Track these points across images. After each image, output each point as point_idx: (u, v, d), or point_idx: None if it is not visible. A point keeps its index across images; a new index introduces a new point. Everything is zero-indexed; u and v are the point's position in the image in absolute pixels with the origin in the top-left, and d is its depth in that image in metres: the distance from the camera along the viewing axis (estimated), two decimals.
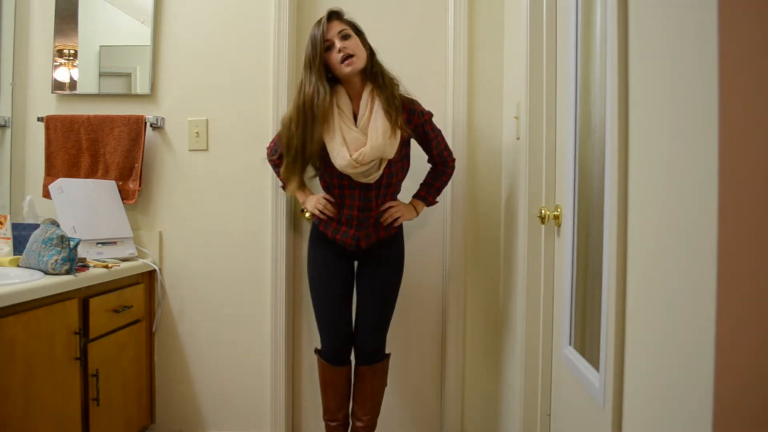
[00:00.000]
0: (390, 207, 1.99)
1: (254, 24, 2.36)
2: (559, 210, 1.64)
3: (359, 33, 1.93)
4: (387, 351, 2.12)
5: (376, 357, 2.07)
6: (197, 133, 2.38)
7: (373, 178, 1.90)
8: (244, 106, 2.37)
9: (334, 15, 1.88)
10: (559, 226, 1.66)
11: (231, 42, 2.38)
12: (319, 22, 1.87)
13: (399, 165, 1.99)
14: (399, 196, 2.08)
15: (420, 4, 2.40)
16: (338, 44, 1.84)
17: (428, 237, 2.40)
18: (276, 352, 2.35)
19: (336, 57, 1.85)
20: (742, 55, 0.68)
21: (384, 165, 1.90)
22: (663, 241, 0.87)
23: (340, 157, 1.85)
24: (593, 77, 1.43)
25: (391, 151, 1.88)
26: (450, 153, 2.08)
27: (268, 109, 2.35)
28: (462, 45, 2.32)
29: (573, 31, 1.49)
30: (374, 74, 1.93)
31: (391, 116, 1.88)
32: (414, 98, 2.00)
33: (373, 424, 2.10)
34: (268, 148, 2.16)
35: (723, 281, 0.68)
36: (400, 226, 2.10)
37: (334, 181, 1.94)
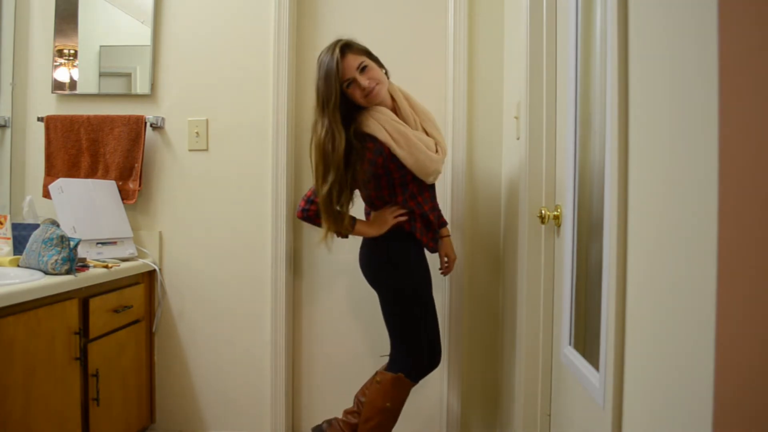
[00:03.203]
0: (449, 260, 2.13)
1: (254, 24, 2.36)
2: (559, 210, 1.64)
3: (371, 56, 1.85)
4: None
5: None
6: (197, 133, 2.38)
7: (437, 179, 1.95)
8: (244, 106, 2.37)
9: (347, 48, 1.78)
10: (559, 226, 1.66)
11: (231, 42, 2.38)
12: (332, 54, 1.75)
13: None
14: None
15: (420, 5, 2.40)
16: (362, 82, 1.77)
17: None
18: (276, 351, 2.35)
19: (360, 93, 1.80)
20: (742, 55, 0.68)
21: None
22: (663, 241, 0.87)
23: (432, 161, 1.84)
24: (593, 77, 1.43)
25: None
26: None
27: (268, 109, 2.35)
28: (462, 45, 2.31)
29: (573, 31, 1.49)
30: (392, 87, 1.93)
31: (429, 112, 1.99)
32: None
33: None
34: (303, 200, 1.88)
35: (723, 281, 0.68)
36: None
37: (408, 195, 1.88)
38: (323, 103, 1.77)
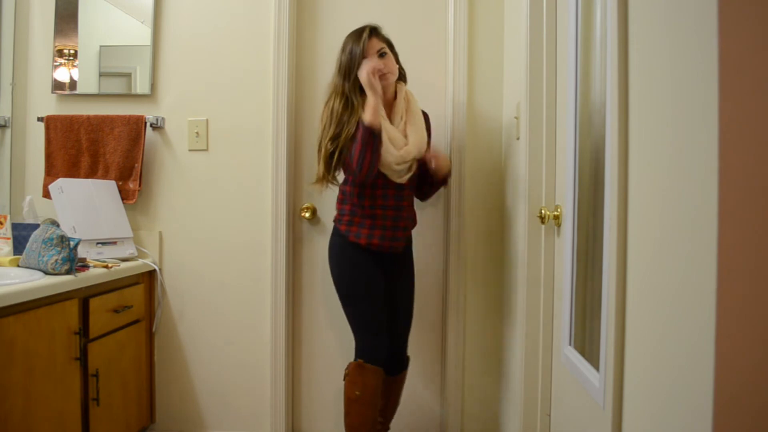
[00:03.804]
0: (442, 158, 2.05)
1: (254, 24, 2.36)
2: (559, 210, 1.64)
3: (392, 48, 2.01)
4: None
5: (404, 363, 2.14)
6: (197, 133, 2.38)
7: (406, 178, 1.99)
8: (244, 106, 2.37)
9: (374, 32, 1.95)
10: (559, 226, 1.66)
11: (231, 42, 2.38)
12: (359, 36, 1.92)
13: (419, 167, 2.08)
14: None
15: (420, 5, 2.40)
16: (378, 64, 1.91)
17: (428, 237, 2.40)
18: (276, 351, 2.35)
19: None
20: (742, 55, 0.68)
21: (415, 165, 2.01)
22: (663, 241, 0.87)
23: (389, 153, 1.92)
24: (593, 77, 1.43)
25: (423, 149, 2.01)
26: None
27: (268, 109, 2.35)
28: (462, 45, 2.31)
29: (573, 31, 1.49)
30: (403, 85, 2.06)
31: (422, 118, 2.05)
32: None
33: (392, 418, 2.18)
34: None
35: (723, 281, 0.68)
36: (411, 236, 2.17)
37: (369, 180, 1.95)
38: (346, 72, 1.93)
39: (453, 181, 2.32)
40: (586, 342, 1.44)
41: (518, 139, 1.97)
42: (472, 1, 2.33)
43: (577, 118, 1.47)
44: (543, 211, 1.67)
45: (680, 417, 0.79)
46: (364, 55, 1.90)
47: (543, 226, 1.76)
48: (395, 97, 2.02)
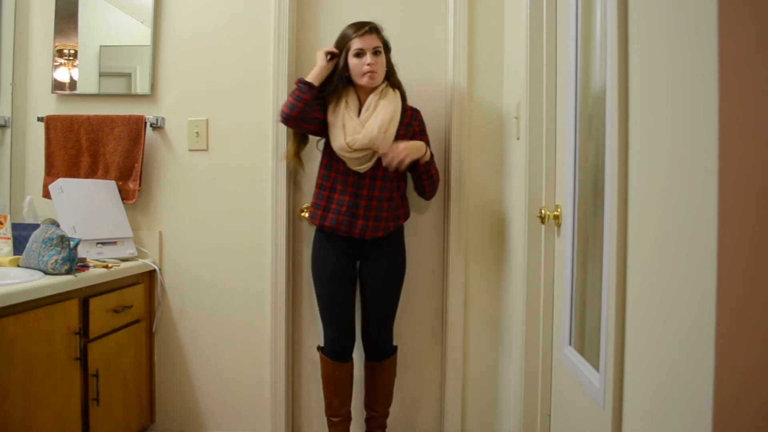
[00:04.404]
0: (393, 149, 1.97)
1: (254, 24, 2.36)
2: (559, 210, 1.64)
3: (387, 50, 2.06)
4: (393, 344, 2.22)
5: (386, 351, 2.17)
6: (197, 133, 2.38)
7: (365, 168, 2.02)
8: (244, 106, 2.37)
9: (375, 30, 2.02)
10: (559, 226, 1.66)
11: (231, 42, 2.37)
12: (360, 27, 1.99)
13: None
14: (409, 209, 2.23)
15: (420, 5, 2.39)
16: (369, 59, 1.97)
17: (428, 238, 2.40)
18: (276, 351, 2.35)
19: (361, 68, 1.98)
20: (742, 55, 0.68)
21: (376, 158, 2.02)
22: (663, 241, 0.87)
23: (337, 139, 2.01)
24: (593, 77, 1.43)
25: (384, 145, 1.98)
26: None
27: (268, 109, 2.35)
28: (462, 45, 2.31)
29: (573, 31, 1.49)
30: (391, 83, 2.09)
31: (396, 115, 2.02)
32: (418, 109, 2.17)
33: (387, 414, 2.23)
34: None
35: (723, 281, 0.68)
36: (401, 227, 2.17)
37: (333, 163, 2.08)
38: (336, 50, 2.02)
39: (453, 180, 2.32)
40: (586, 342, 1.44)
41: (518, 138, 1.97)
42: (472, 1, 2.33)
43: (577, 118, 1.47)
44: (543, 211, 1.67)
45: (680, 417, 0.80)
46: (359, 47, 1.97)
47: (543, 226, 1.76)
48: (371, 91, 2.05)
